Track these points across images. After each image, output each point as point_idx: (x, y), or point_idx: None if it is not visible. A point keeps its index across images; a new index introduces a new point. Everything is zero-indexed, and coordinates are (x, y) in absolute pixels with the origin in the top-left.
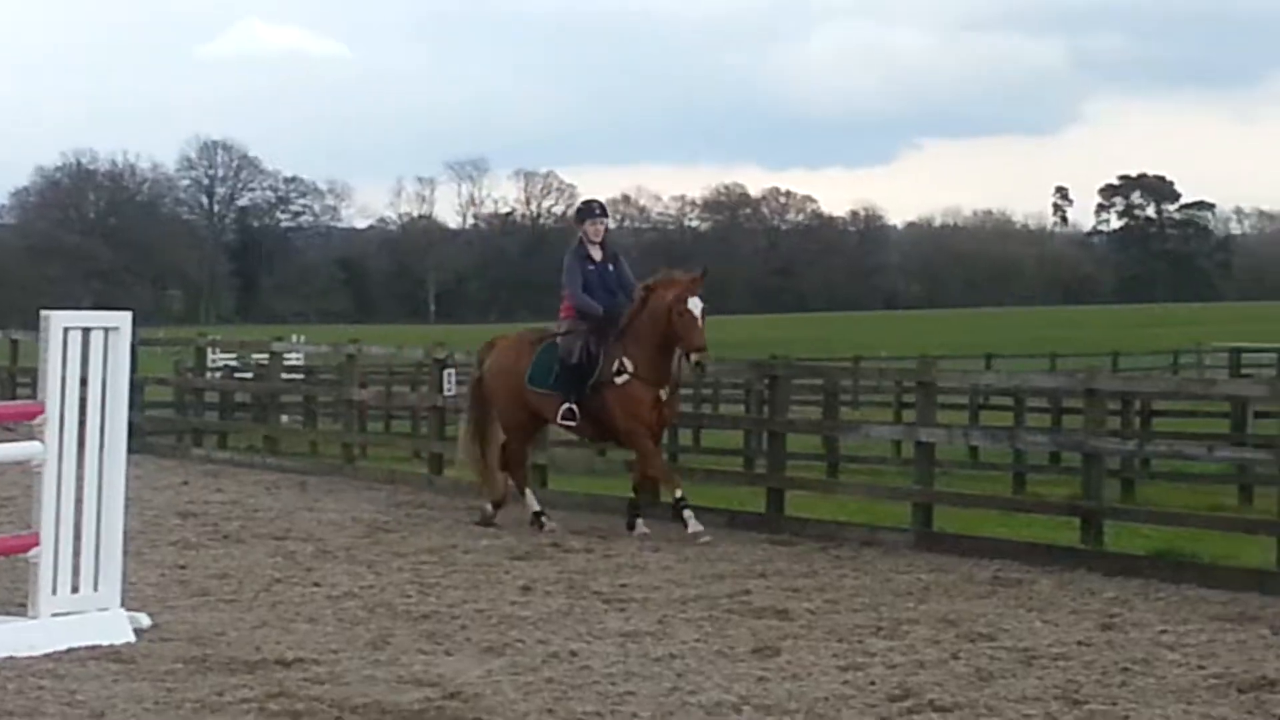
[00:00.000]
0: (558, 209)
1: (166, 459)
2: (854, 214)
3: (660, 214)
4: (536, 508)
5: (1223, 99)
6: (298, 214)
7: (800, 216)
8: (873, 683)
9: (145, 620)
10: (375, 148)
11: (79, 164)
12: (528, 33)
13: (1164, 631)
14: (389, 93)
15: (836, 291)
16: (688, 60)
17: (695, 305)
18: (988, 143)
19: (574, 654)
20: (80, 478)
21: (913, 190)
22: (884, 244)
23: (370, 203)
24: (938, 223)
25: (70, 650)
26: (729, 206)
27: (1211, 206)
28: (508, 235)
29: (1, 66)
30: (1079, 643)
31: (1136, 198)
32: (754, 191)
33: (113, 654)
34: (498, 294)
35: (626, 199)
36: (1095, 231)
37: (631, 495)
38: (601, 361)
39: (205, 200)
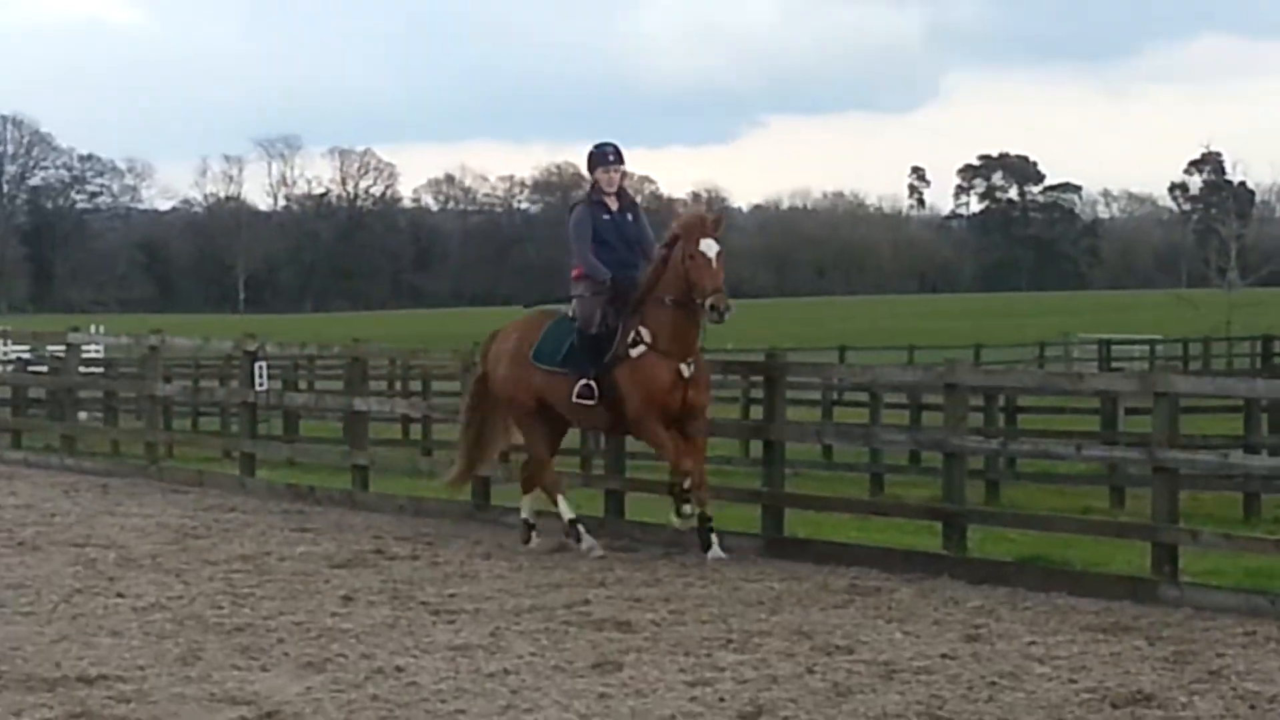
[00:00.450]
0: (376, 189)
1: None
2: (696, 196)
3: (487, 195)
4: (570, 516)
5: (1090, 74)
6: (94, 194)
7: (638, 199)
8: (722, 699)
9: None
10: (179, 124)
11: None
12: (344, 3)
13: (1032, 643)
14: (194, 66)
15: None
16: (517, 32)
17: (710, 247)
18: (839, 120)
19: (400, 669)
20: None
21: (758, 171)
22: (729, 227)
23: (173, 183)
24: (785, 205)
25: None
26: (561, 188)
27: (1078, 189)
28: (322, 218)
29: None
30: (942, 655)
31: (998, 179)
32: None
33: None
34: (311, 281)
35: (450, 179)
36: (954, 215)
37: (676, 488)
38: (620, 333)
39: None
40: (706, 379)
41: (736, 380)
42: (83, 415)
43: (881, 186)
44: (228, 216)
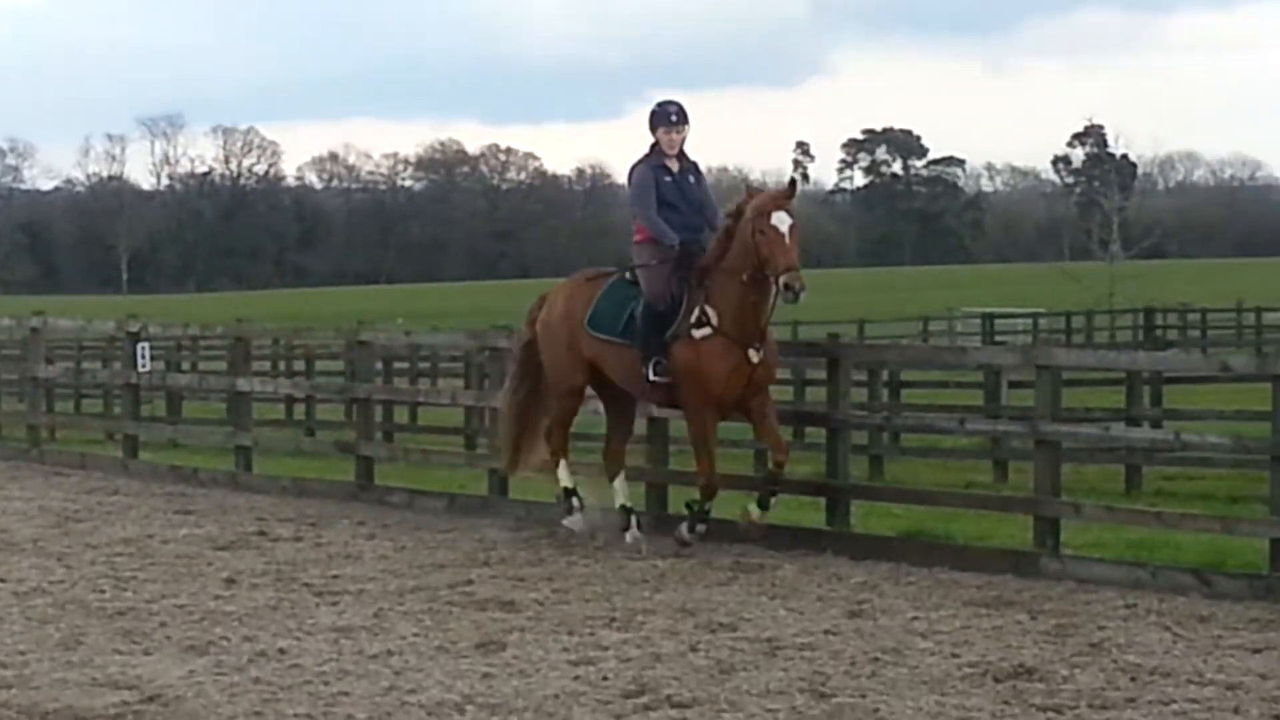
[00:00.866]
0: (259, 168)
1: None
2: (580, 172)
3: (371, 173)
4: (568, 484)
5: (974, 48)
6: None
7: (522, 175)
8: (606, 678)
9: None
10: (60, 103)
11: None
12: None
13: (916, 618)
14: (75, 43)
15: (562, 256)
16: (401, 8)
17: (782, 221)
18: (723, 95)
19: (283, 652)
20: None
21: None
22: (613, 204)
23: (55, 162)
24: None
25: None
26: (445, 165)
27: (961, 162)
28: (205, 197)
29: None
30: (825, 631)
31: (882, 153)
32: (472, 149)
33: None
34: (194, 260)
35: (334, 157)
36: (838, 189)
37: (700, 505)
38: (684, 308)
39: None
40: (775, 358)
41: None
42: None
43: (766, 161)
44: (110, 196)
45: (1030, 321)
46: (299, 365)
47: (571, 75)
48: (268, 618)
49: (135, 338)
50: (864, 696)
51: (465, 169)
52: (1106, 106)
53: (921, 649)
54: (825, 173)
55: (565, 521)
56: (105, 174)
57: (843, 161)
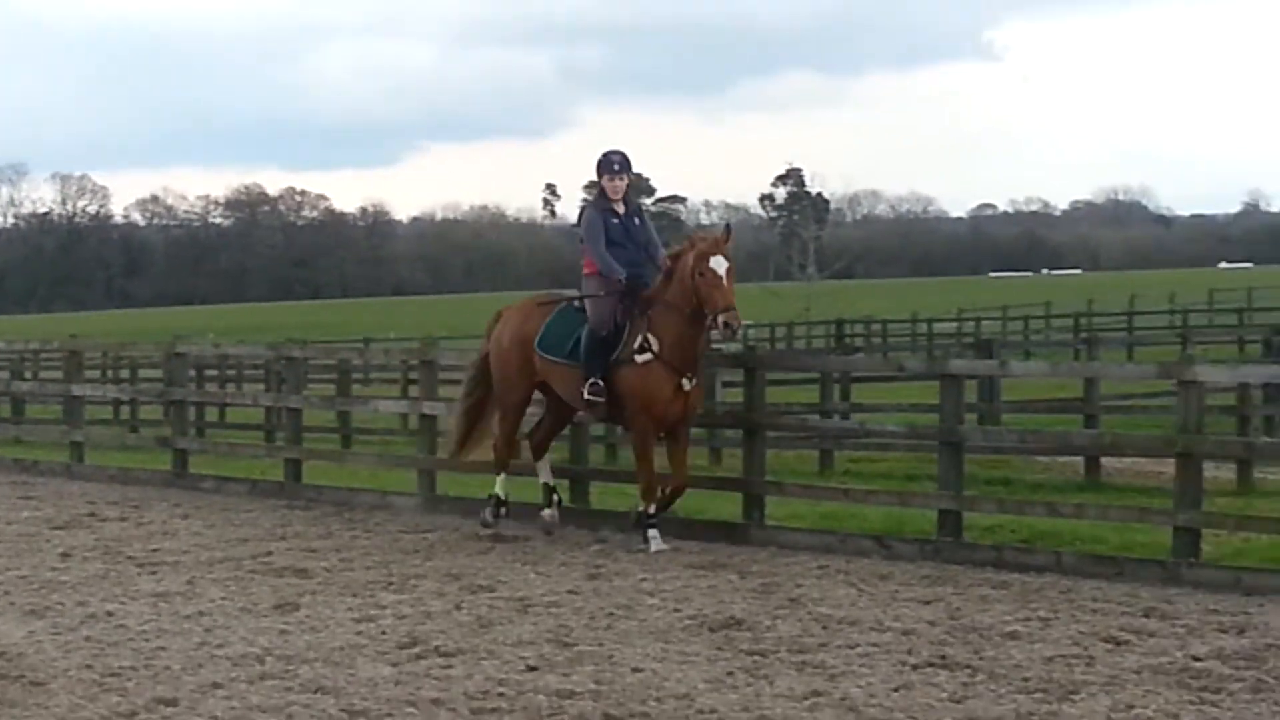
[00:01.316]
0: (91, 208)
1: None
2: (364, 210)
3: (186, 212)
4: (501, 494)
5: (693, 105)
6: None
7: (314, 213)
8: (384, 632)
9: None
10: None
11: None
12: (66, 44)
13: (644, 579)
14: None
15: (349, 280)
16: (215, 71)
17: (719, 264)
18: (485, 145)
19: (110, 614)
20: None
21: (417, 188)
22: (391, 236)
23: None
24: (439, 217)
25: None
26: (249, 204)
27: (683, 200)
28: (46, 233)
29: None
30: (569, 591)
31: None
32: (272, 191)
33: None
34: (36, 287)
35: (155, 198)
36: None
37: (641, 509)
38: (625, 335)
39: None
40: (701, 390)
41: (397, 364)
42: None
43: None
44: None
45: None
46: (124, 373)
47: (356, 129)
48: (97, 586)
49: None
50: (601, 645)
51: (266, 208)
52: (804, 152)
53: (649, 605)
54: (571, 209)
55: (494, 521)
56: None
57: (584, 200)
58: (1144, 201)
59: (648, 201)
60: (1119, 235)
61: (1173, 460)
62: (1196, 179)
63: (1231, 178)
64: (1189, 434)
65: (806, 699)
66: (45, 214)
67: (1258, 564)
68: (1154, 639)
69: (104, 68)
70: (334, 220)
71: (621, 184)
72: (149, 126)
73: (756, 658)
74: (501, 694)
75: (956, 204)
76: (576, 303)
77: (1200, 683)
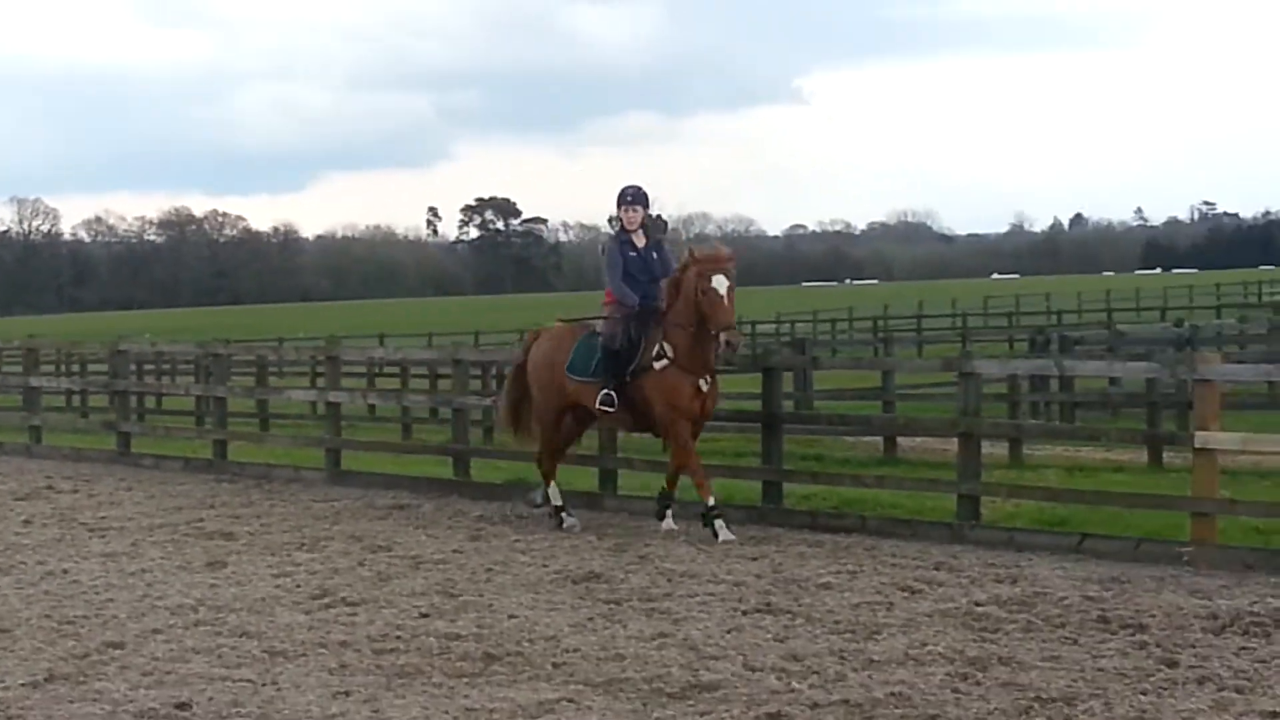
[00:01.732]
0: (45, 227)
1: None
2: (276, 229)
3: (125, 230)
4: (558, 502)
5: (552, 141)
6: None
7: (234, 231)
8: (298, 585)
9: None
10: None
11: None
12: (21, 85)
13: (517, 540)
14: None
15: (264, 289)
16: (149, 111)
17: (720, 283)
18: (377, 174)
19: (66, 571)
20: None
21: (321, 210)
22: (299, 252)
23: None
24: (339, 235)
25: None
26: (179, 224)
27: (545, 221)
28: (4, 248)
29: None
30: (454, 550)
31: (489, 215)
32: (198, 212)
33: None
34: None
35: (99, 219)
36: (459, 241)
37: (664, 488)
38: (642, 347)
39: None
40: (717, 388)
41: (306, 360)
42: None
43: (407, 221)
44: None
45: None
46: (75, 368)
47: (268, 160)
48: (54, 548)
49: None
50: (481, 596)
51: (193, 227)
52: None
53: (522, 561)
54: (450, 228)
55: (564, 526)
56: None
57: (461, 220)
58: (929, 222)
59: (515, 222)
60: (909, 251)
61: (956, 439)
62: (972, 203)
63: (1001, 202)
64: (969, 417)
65: (654, 640)
66: (4, 232)
67: (1027, 525)
68: (942, 588)
69: (53, 106)
70: (251, 238)
71: (636, 215)
72: (93, 157)
73: (612, 605)
74: (398, 637)
75: (773, 224)
76: (597, 328)
77: (981, 624)
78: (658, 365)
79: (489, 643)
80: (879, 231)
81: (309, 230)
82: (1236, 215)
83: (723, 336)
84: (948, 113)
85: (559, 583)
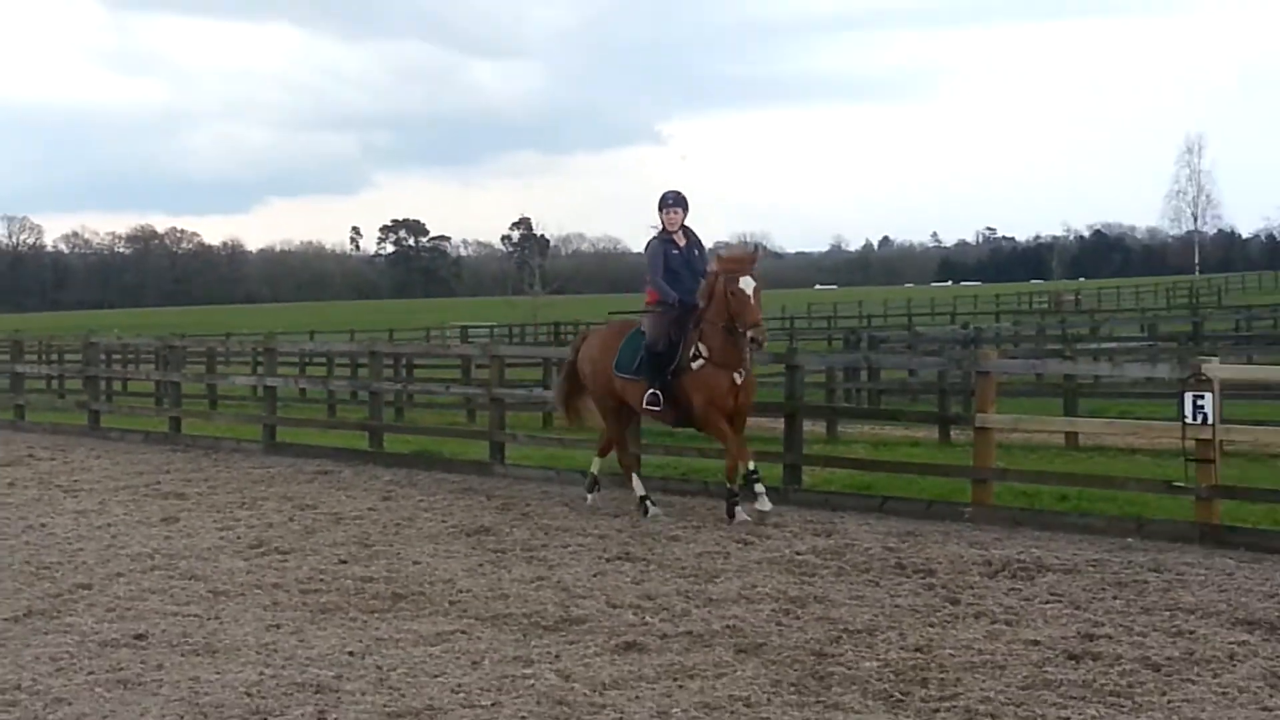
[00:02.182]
0: (29, 240)
1: None
2: (225, 244)
3: (99, 243)
4: (641, 493)
5: (456, 173)
6: None
7: (191, 245)
8: (239, 537)
9: None
10: None
11: None
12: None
13: (421, 500)
14: None
15: (215, 293)
16: (119, 143)
17: (747, 284)
18: (309, 199)
19: (44, 525)
20: None
21: (262, 228)
22: (245, 263)
23: None
24: (278, 249)
25: None
26: (144, 239)
27: (448, 239)
28: None
29: None
30: (369, 509)
31: (402, 233)
32: (160, 229)
33: None
34: None
35: (76, 234)
36: (377, 255)
37: (727, 484)
38: (680, 349)
39: None
40: (753, 382)
41: (248, 351)
42: None
43: (335, 238)
44: None
45: (488, 331)
46: (54, 357)
47: (219, 186)
48: (34, 506)
49: None
50: (391, 545)
51: (156, 241)
52: (532, 206)
53: (425, 518)
54: (371, 244)
55: (649, 515)
56: None
57: (379, 238)
58: (764, 241)
59: (425, 240)
60: None
61: (783, 419)
62: (799, 226)
63: (823, 226)
64: (794, 401)
65: (533, 582)
66: None
67: (840, 489)
68: (770, 540)
69: (39, 140)
70: (204, 251)
71: (677, 217)
72: (72, 182)
73: (498, 554)
74: (321, 580)
75: (637, 242)
76: (642, 326)
77: (801, 569)
78: (694, 365)
79: (396, 584)
80: (724, 250)
81: (252, 245)
82: (1013, 239)
83: (750, 334)
84: (779, 152)
85: (455, 535)
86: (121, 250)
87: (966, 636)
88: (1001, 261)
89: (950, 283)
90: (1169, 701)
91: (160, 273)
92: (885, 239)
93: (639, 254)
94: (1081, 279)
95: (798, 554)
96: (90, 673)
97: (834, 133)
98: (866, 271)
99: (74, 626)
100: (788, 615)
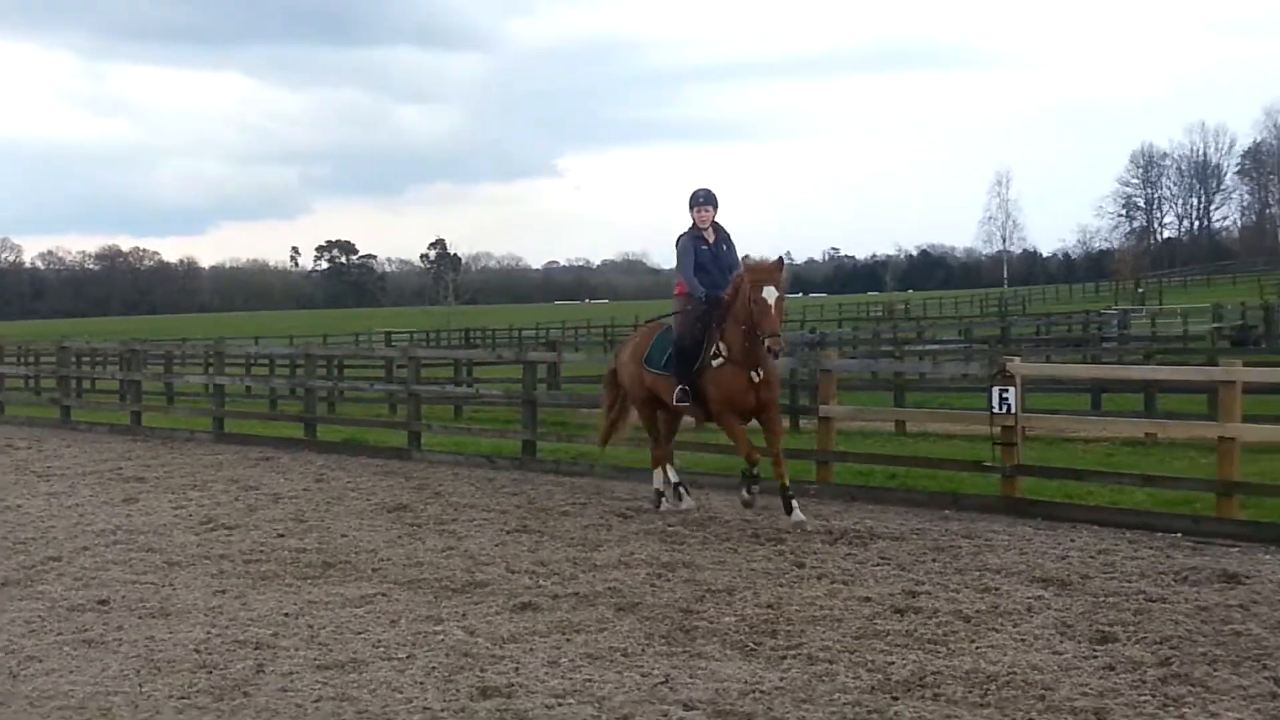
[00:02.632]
0: (9, 257)
1: None
2: (182, 261)
3: (71, 261)
4: (658, 486)
5: (382, 201)
6: None
7: (152, 263)
8: (191, 515)
9: None
10: None
11: None
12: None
13: (349, 482)
14: None
15: (173, 304)
16: (89, 172)
17: (769, 294)
18: (255, 223)
19: (19, 506)
20: None
21: (215, 248)
22: (199, 278)
23: None
24: (228, 266)
25: None
26: (111, 257)
27: (375, 257)
28: None
29: None
30: (304, 489)
31: (336, 252)
32: (126, 249)
33: None
34: None
35: (51, 252)
36: (314, 270)
37: (782, 484)
38: (705, 346)
39: None
40: (776, 380)
41: (201, 354)
42: None
43: (276, 256)
44: None
45: (409, 336)
46: (31, 359)
47: (177, 211)
48: (11, 489)
49: None
50: (323, 521)
51: (122, 259)
52: (446, 228)
53: (352, 497)
54: (308, 261)
55: (682, 505)
56: None
57: (316, 256)
58: (644, 259)
59: (355, 258)
60: (630, 279)
61: None
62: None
63: None
64: None
65: (444, 551)
66: None
67: (707, 470)
68: (647, 515)
69: (19, 169)
70: (164, 267)
71: (707, 214)
72: (49, 206)
73: (415, 527)
74: (262, 551)
75: (536, 259)
76: (673, 321)
77: (672, 539)
78: (715, 364)
79: (326, 554)
80: (610, 265)
81: (206, 262)
82: (853, 256)
83: (766, 342)
84: (661, 183)
85: (378, 511)
86: (91, 266)
87: (810, 594)
88: (844, 276)
89: (800, 294)
90: (977, 648)
91: (125, 286)
92: (747, 256)
93: (538, 269)
94: (910, 291)
95: (669, 526)
96: (59, 634)
97: (707, 167)
98: None
99: (45, 594)
100: (660, 578)
